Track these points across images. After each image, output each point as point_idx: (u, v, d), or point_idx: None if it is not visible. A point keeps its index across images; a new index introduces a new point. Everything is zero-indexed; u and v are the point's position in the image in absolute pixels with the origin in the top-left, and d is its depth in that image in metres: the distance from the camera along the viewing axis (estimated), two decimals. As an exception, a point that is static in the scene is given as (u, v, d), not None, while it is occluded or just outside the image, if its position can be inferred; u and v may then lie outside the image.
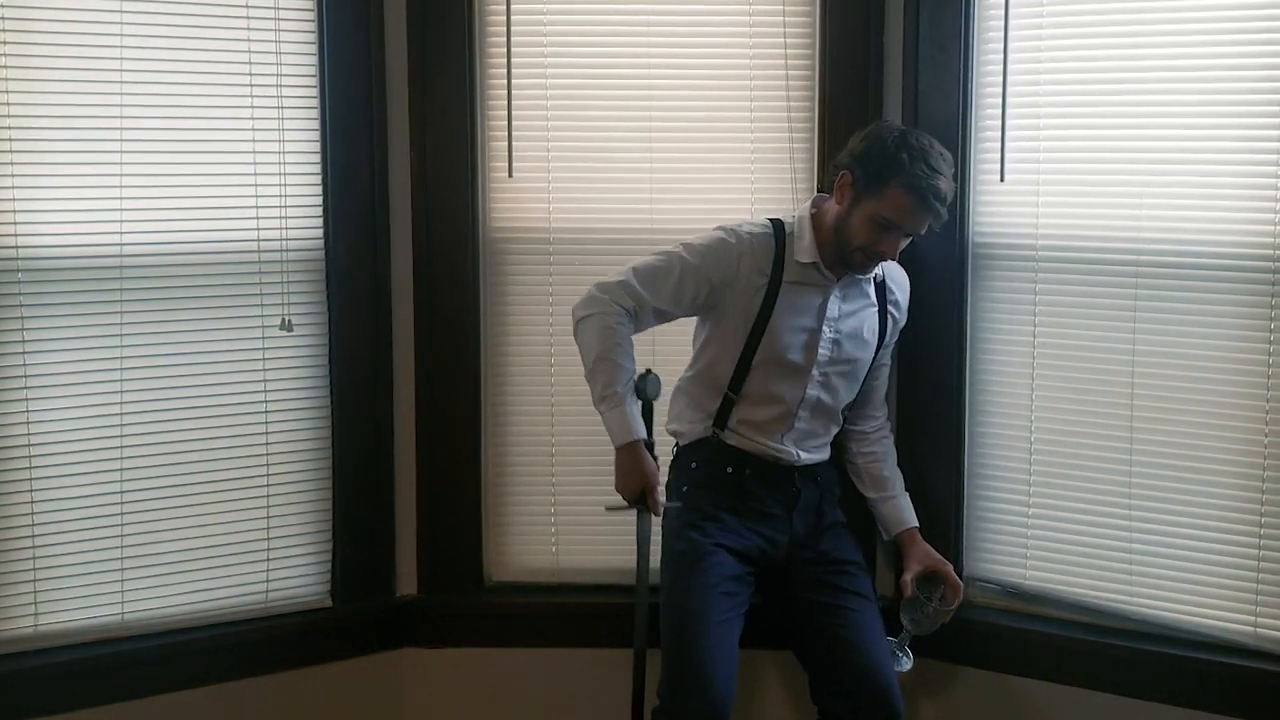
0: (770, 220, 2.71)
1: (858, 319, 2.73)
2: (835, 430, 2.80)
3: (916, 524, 2.82)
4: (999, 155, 2.78)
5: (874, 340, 2.76)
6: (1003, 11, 2.76)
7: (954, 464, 2.90)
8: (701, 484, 2.72)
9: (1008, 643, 2.88)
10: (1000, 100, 2.77)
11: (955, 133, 2.82)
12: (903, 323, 2.82)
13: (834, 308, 2.69)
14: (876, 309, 2.75)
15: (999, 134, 2.78)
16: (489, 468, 3.04)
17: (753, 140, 2.94)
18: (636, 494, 2.59)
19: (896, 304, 2.79)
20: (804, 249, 2.66)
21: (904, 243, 2.62)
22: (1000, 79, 2.77)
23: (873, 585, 2.81)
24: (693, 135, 2.95)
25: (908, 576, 2.76)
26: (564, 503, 3.05)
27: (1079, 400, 2.78)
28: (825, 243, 2.66)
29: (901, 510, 2.84)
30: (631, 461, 2.58)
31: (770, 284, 2.66)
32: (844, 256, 2.64)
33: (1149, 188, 2.66)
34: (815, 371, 2.70)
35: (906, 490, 2.86)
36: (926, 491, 2.91)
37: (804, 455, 2.74)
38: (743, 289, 2.65)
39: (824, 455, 2.79)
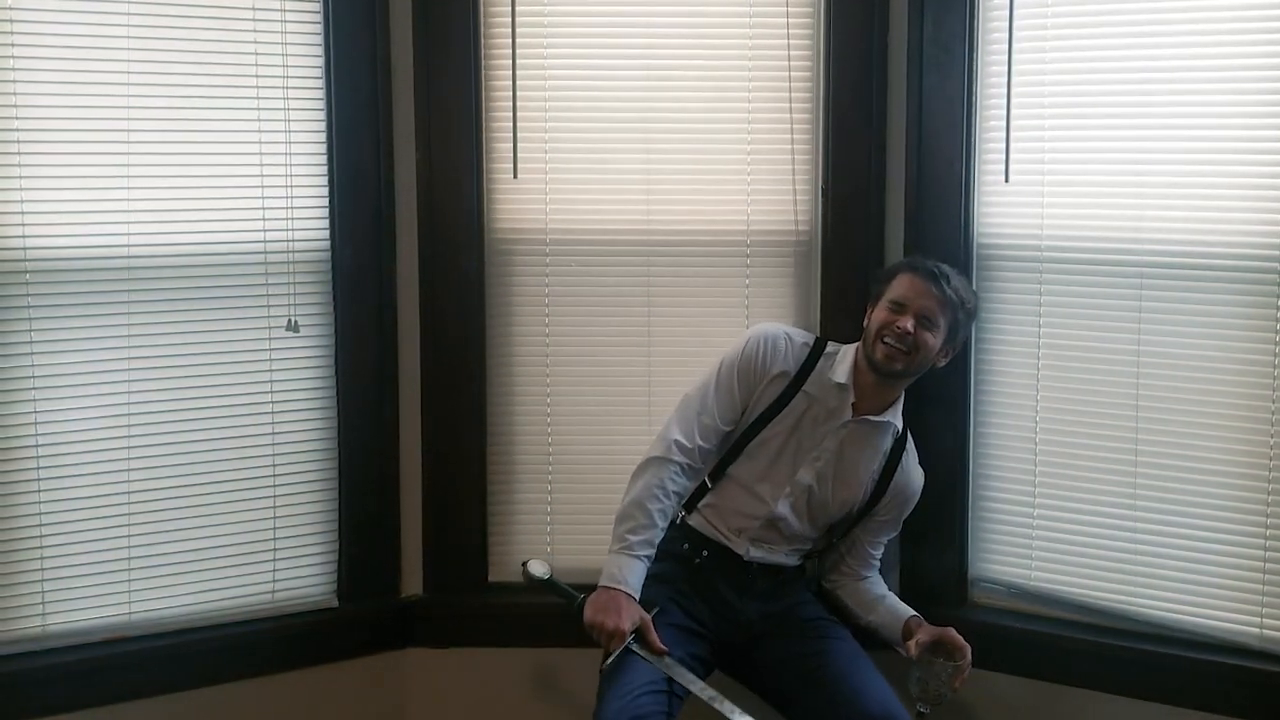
0: (815, 336, 2.77)
1: (855, 461, 2.70)
2: (797, 551, 2.76)
3: (915, 613, 2.71)
4: (1004, 156, 2.79)
5: (864, 489, 2.72)
6: (1007, 12, 2.76)
7: (958, 464, 2.91)
8: (655, 576, 2.64)
9: (1012, 643, 2.88)
10: (1005, 101, 2.77)
11: (960, 133, 2.83)
12: (901, 512, 2.78)
13: (831, 441, 2.68)
14: (883, 463, 2.73)
15: (1003, 135, 2.78)
16: (492, 468, 3.05)
17: (750, 142, 2.95)
18: (602, 636, 2.51)
19: (901, 482, 2.75)
20: (841, 370, 2.68)
21: (926, 333, 2.60)
22: (1005, 80, 2.77)
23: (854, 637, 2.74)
24: (691, 137, 2.95)
25: (913, 641, 2.61)
26: (561, 503, 3.05)
27: (1084, 400, 2.78)
28: (861, 379, 2.68)
29: (896, 607, 2.74)
30: (609, 603, 2.52)
31: (792, 383, 2.68)
32: (870, 361, 2.64)
33: (1154, 188, 2.66)
34: (789, 489, 2.69)
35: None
36: (931, 491, 2.91)
37: (754, 552, 2.71)
38: (769, 380, 2.69)
39: (783, 561, 2.75)
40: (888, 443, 2.73)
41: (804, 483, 2.69)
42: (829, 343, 2.75)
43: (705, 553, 2.71)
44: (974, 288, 2.77)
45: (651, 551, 2.62)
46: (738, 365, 2.70)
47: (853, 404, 2.68)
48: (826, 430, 2.69)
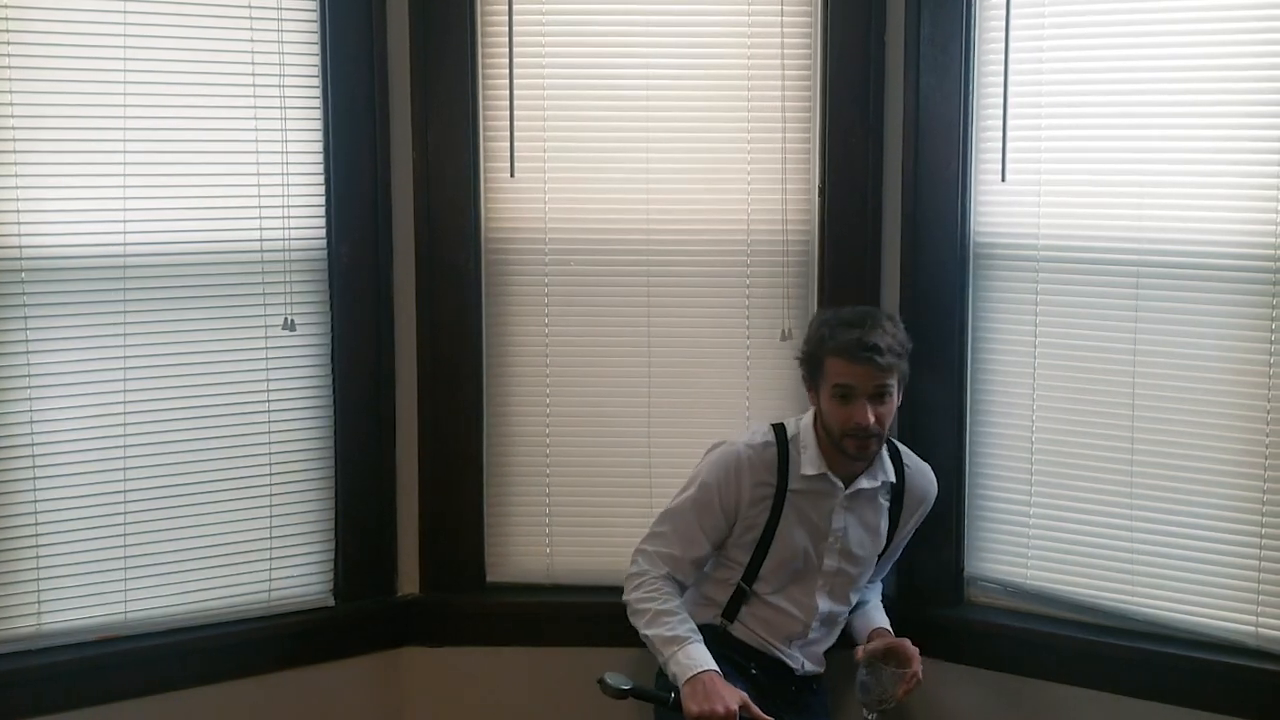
0: (772, 426, 2.67)
1: (866, 529, 2.69)
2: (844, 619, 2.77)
3: (887, 626, 2.73)
4: (1000, 155, 2.79)
5: (881, 541, 2.72)
6: (1004, 12, 2.76)
7: (955, 463, 2.91)
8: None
9: (1008, 642, 2.88)
10: (1001, 100, 2.77)
11: (956, 133, 2.83)
12: (922, 517, 2.77)
13: (839, 519, 2.65)
14: (888, 517, 2.71)
15: (1000, 134, 2.78)
16: (490, 468, 3.05)
17: (749, 142, 2.94)
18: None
19: (909, 519, 2.75)
20: (810, 460, 2.62)
21: (882, 407, 2.54)
22: (1001, 79, 2.77)
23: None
24: (691, 138, 2.95)
25: (860, 646, 2.62)
26: (559, 504, 3.05)
27: (1080, 400, 2.78)
28: (829, 452, 2.62)
29: (870, 614, 2.76)
30: (707, 689, 2.43)
31: (776, 495, 2.62)
32: (843, 452, 2.59)
33: (1150, 188, 2.66)
34: (821, 581, 2.67)
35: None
36: (928, 491, 2.92)
37: (809, 665, 2.71)
38: (749, 502, 2.62)
39: (822, 667, 2.75)
40: (886, 500, 2.71)
41: (832, 568, 2.67)
42: (785, 424, 2.68)
43: (754, 668, 2.66)
44: (898, 318, 2.67)
45: (698, 632, 2.55)
46: (711, 508, 2.62)
47: (844, 476, 2.65)
48: (829, 509, 2.65)
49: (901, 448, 2.76)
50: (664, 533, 2.64)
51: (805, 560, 2.66)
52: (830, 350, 2.55)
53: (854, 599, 2.76)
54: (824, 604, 2.69)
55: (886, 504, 2.71)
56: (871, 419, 2.52)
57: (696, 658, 2.49)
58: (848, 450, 2.58)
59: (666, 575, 2.61)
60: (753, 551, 2.65)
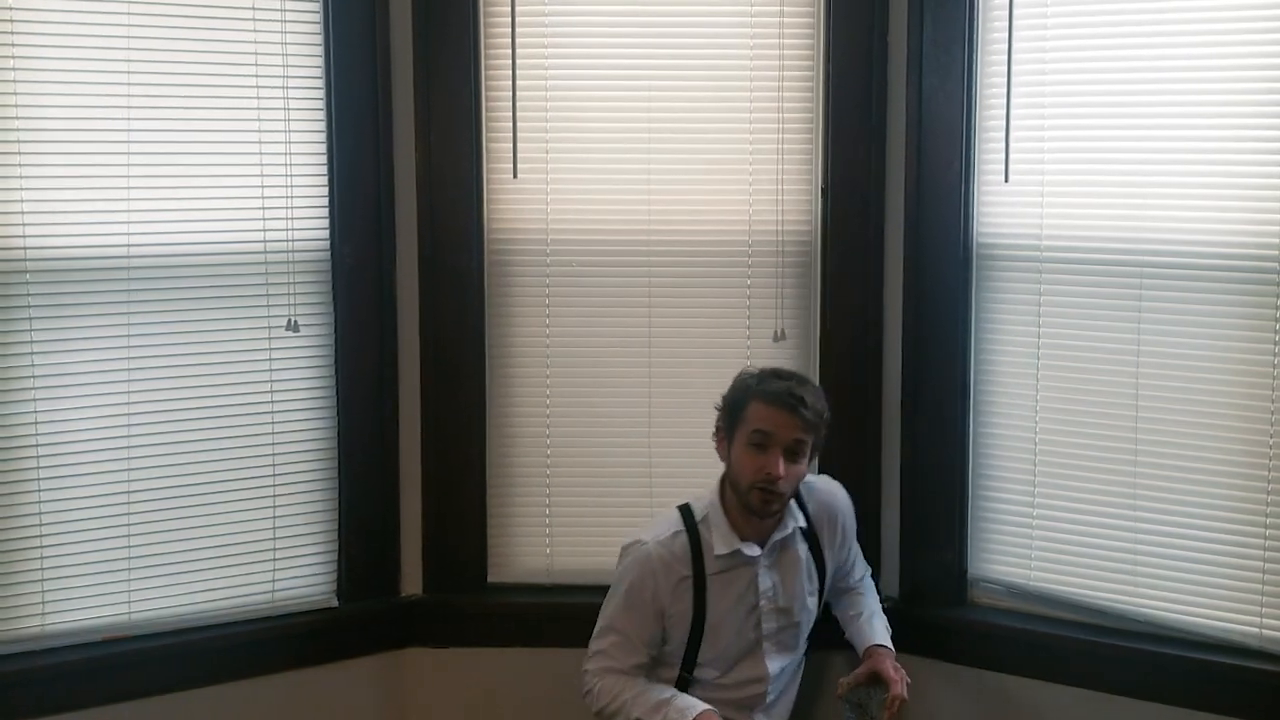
0: (679, 511, 2.65)
1: (795, 577, 2.68)
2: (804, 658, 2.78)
3: (882, 643, 2.71)
4: (1003, 156, 2.79)
5: (816, 587, 2.71)
6: (1006, 13, 2.76)
7: (958, 464, 2.91)
8: None
9: (1011, 643, 2.88)
10: (1005, 101, 2.78)
11: (959, 134, 2.83)
12: (848, 533, 2.77)
13: (765, 580, 2.64)
14: (811, 560, 2.70)
15: (1003, 135, 2.78)
16: (491, 468, 3.05)
17: (751, 142, 2.94)
18: None
19: (832, 543, 2.74)
20: (721, 538, 2.60)
21: (794, 466, 2.54)
22: (1004, 80, 2.78)
23: None
24: (693, 138, 2.95)
25: (844, 679, 2.65)
26: (559, 504, 3.05)
27: (1083, 400, 2.78)
28: (738, 521, 2.61)
29: (865, 630, 2.75)
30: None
31: (695, 584, 2.60)
32: (748, 508, 2.57)
33: (1154, 188, 2.66)
34: (766, 645, 2.67)
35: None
36: (930, 491, 2.92)
37: None
38: (671, 598, 2.60)
39: (789, 712, 2.76)
40: (801, 544, 2.70)
41: (773, 629, 2.67)
42: (692, 506, 2.66)
43: None
44: (819, 386, 2.68)
45: (664, 688, 2.59)
46: (638, 612, 2.60)
47: (755, 538, 2.62)
48: (751, 577, 2.64)
49: (799, 487, 2.69)
50: (603, 649, 2.63)
51: (742, 636, 2.65)
52: (755, 394, 2.55)
53: (804, 643, 2.75)
54: (775, 665, 2.68)
55: (806, 543, 2.71)
56: (782, 472, 2.52)
57: (689, 703, 2.53)
58: (753, 505, 2.56)
59: (618, 673, 2.61)
60: (686, 643, 2.64)
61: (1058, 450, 2.82)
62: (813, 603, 2.72)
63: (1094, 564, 2.80)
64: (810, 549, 2.71)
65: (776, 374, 2.60)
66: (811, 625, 2.75)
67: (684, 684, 2.65)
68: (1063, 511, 2.82)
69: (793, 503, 2.67)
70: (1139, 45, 2.65)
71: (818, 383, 2.89)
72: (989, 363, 2.90)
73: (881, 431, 2.98)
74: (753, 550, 2.62)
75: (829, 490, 2.77)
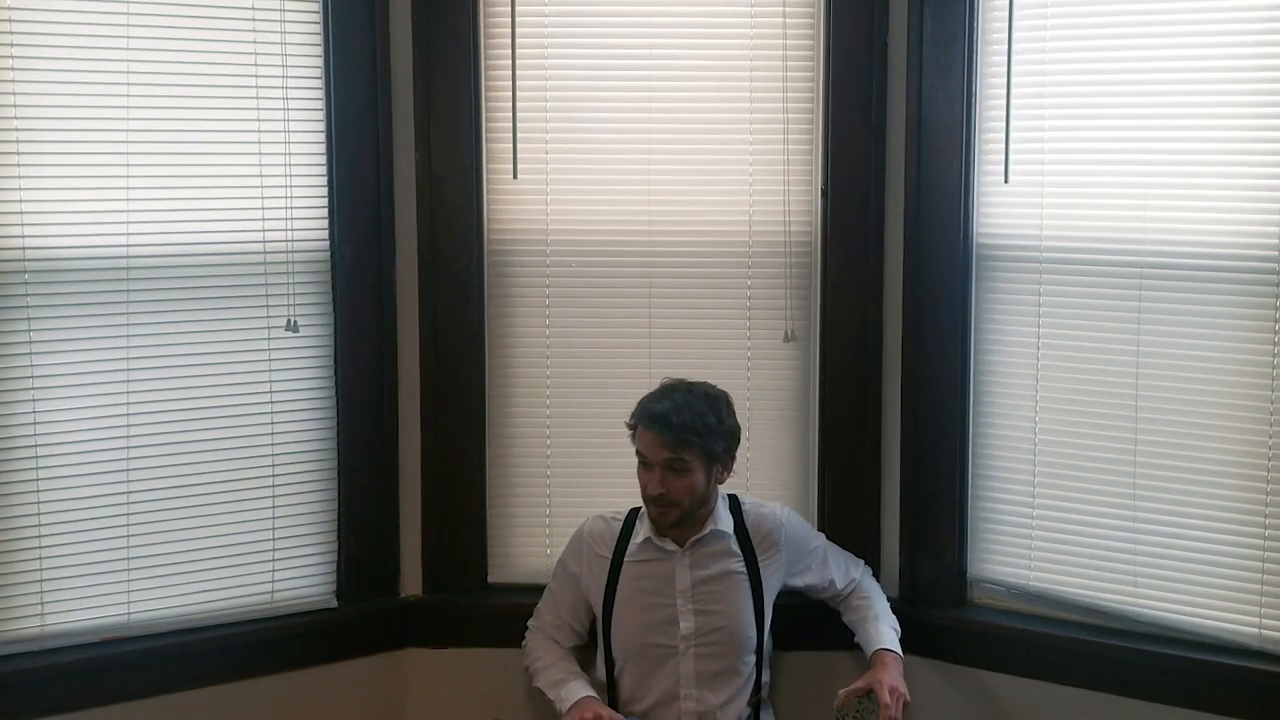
0: (632, 508, 2.76)
1: (721, 584, 2.70)
2: (748, 679, 2.74)
3: (888, 647, 2.71)
4: (1003, 156, 2.79)
5: (749, 603, 2.72)
6: (1006, 12, 2.77)
7: (958, 464, 2.91)
8: None
9: (1011, 643, 2.88)
10: (1004, 101, 2.78)
11: (959, 134, 2.83)
12: (809, 559, 2.79)
13: (683, 578, 2.69)
14: (745, 572, 2.72)
15: (1003, 135, 2.79)
16: (491, 468, 3.05)
17: (752, 144, 2.94)
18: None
19: (772, 560, 2.75)
20: (643, 528, 2.71)
21: (677, 480, 2.59)
22: (1004, 80, 2.78)
23: None
24: (693, 139, 2.95)
25: (843, 690, 2.62)
26: (559, 504, 3.05)
27: (1083, 401, 2.78)
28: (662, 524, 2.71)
29: (869, 636, 2.75)
30: (578, 707, 2.64)
31: (611, 567, 2.72)
32: (650, 518, 2.69)
33: (1153, 189, 2.67)
34: (683, 646, 2.69)
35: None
36: (930, 492, 2.92)
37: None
38: (588, 570, 2.75)
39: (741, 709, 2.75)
40: (734, 546, 2.72)
41: (690, 629, 2.69)
42: (639, 508, 2.75)
43: None
44: (723, 401, 2.68)
45: (579, 674, 2.74)
46: (564, 575, 2.81)
47: (675, 539, 2.70)
48: (669, 571, 2.69)
49: (745, 500, 2.79)
50: (539, 607, 2.85)
51: (654, 629, 2.69)
52: (636, 416, 2.66)
53: (748, 668, 2.73)
54: (690, 667, 2.68)
55: (739, 552, 2.72)
56: (661, 489, 2.59)
57: (574, 691, 2.67)
58: (651, 516, 2.68)
59: (547, 636, 2.81)
60: (601, 621, 2.74)
61: (1057, 450, 2.82)
62: (749, 621, 2.72)
63: (1094, 564, 2.80)
64: (747, 565, 2.73)
65: (666, 391, 2.66)
66: (755, 650, 2.74)
67: (611, 683, 2.74)
68: (1062, 512, 2.83)
69: (723, 510, 2.73)
70: (1139, 45, 2.65)
71: (817, 383, 2.90)
72: (989, 363, 2.90)
73: (881, 431, 2.98)
74: (669, 545, 2.69)
75: (765, 508, 2.80)
